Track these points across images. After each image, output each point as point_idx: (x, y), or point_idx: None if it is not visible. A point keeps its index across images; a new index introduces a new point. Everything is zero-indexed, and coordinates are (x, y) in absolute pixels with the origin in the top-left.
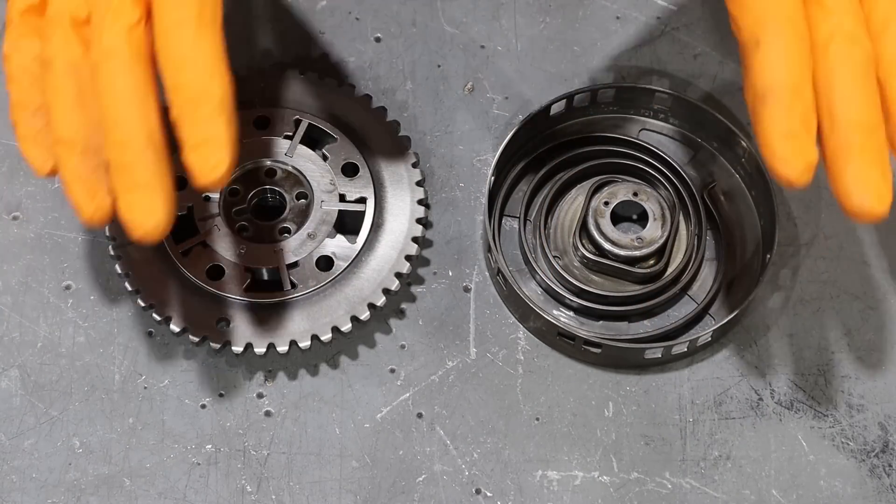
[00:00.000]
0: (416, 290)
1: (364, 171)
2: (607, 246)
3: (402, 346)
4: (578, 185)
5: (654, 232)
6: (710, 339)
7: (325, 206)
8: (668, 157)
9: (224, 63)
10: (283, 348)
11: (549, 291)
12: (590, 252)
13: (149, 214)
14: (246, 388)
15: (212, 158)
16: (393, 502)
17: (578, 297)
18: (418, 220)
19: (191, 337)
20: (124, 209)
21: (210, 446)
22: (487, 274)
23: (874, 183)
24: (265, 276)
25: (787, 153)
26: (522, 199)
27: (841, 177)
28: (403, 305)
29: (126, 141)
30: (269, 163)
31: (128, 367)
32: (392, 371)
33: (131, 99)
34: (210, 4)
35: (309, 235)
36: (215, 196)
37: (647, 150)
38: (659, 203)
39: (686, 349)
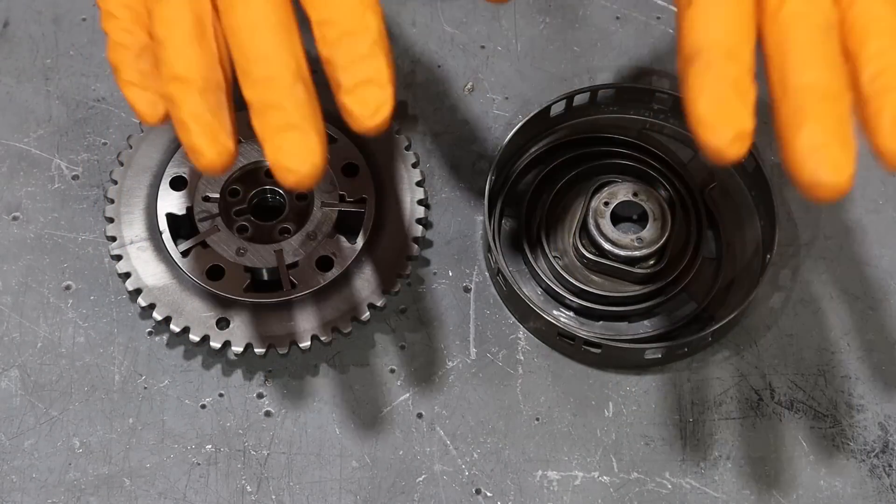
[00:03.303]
0: (416, 290)
1: (364, 171)
2: (607, 246)
3: (402, 346)
4: (578, 185)
5: (654, 232)
6: (710, 339)
7: (325, 206)
8: (668, 157)
9: None
10: (283, 348)
11: (549, 291)
12: (590, 252)
13: (304, 158)
14: (246, 388)
15: (373, 100)
16: (393, 502)
17: (578, 297)
18: (418, 221)
19: (191, 337)
20: (274, 153)
21: (210, 446)
22: (487, 274)
23: (831, 153)
24: (265, 276)
25: (714, 119)
26: (523, 199)
27: (792, 145)
28: (403, 305)
29: (273, 77)
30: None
31: (128, 367)
32: (392, 371)
33: (275, 30)
34: None
35: (309, 235)
36: (215, 196)
37: (647, 151)
38: (659, 203)
39: (686, 349)
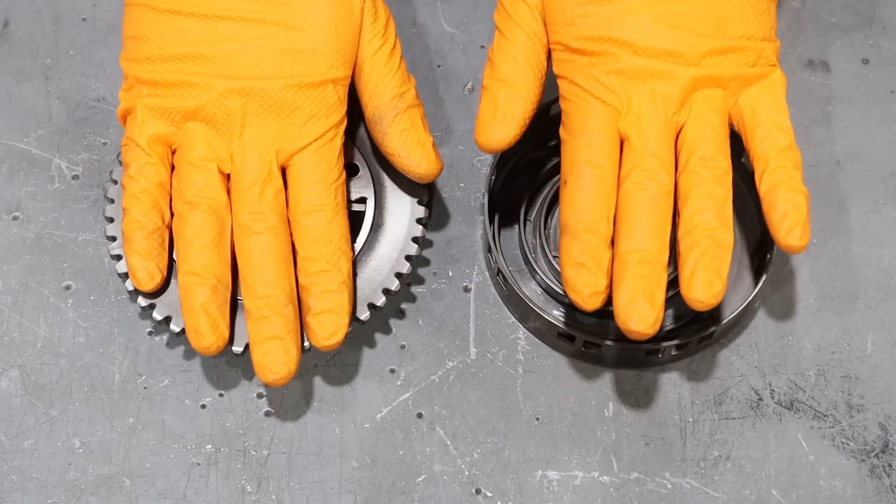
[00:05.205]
0: (416, 290)
1: (364, 171)
2: None
3: (402, 346)
4: None
5: None
6: (710, 339)
7: None
8: None
9: (350, 243)
10: None
11: (549, 291)
12: None
13: (284, 363)
14: (246, 388)
15: (332, 326)
16: (393, 502)
17: None
18: (418, 220)
19: None
20: (261, 355)
21: (210, 446)
22: (487, 274)
23: (638, 307)
24: None
25: (575, 281)
26: (522, 199)
27: (614, 298)
28: (403, 305)
29: (270, 296)
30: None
31: (128, 367)
32: (392, 371)
33: (278, 260)
34: (342, 192)
35: None
36: None
37: None
38: None
39: (686, 349)
